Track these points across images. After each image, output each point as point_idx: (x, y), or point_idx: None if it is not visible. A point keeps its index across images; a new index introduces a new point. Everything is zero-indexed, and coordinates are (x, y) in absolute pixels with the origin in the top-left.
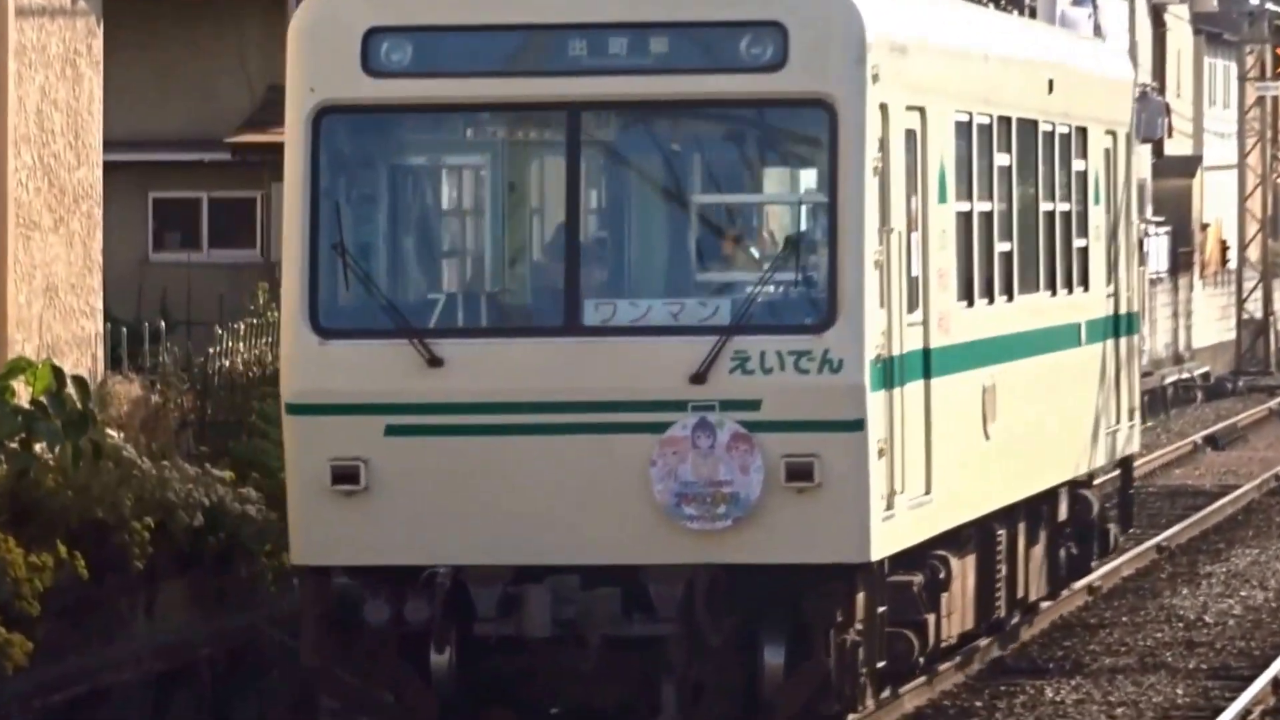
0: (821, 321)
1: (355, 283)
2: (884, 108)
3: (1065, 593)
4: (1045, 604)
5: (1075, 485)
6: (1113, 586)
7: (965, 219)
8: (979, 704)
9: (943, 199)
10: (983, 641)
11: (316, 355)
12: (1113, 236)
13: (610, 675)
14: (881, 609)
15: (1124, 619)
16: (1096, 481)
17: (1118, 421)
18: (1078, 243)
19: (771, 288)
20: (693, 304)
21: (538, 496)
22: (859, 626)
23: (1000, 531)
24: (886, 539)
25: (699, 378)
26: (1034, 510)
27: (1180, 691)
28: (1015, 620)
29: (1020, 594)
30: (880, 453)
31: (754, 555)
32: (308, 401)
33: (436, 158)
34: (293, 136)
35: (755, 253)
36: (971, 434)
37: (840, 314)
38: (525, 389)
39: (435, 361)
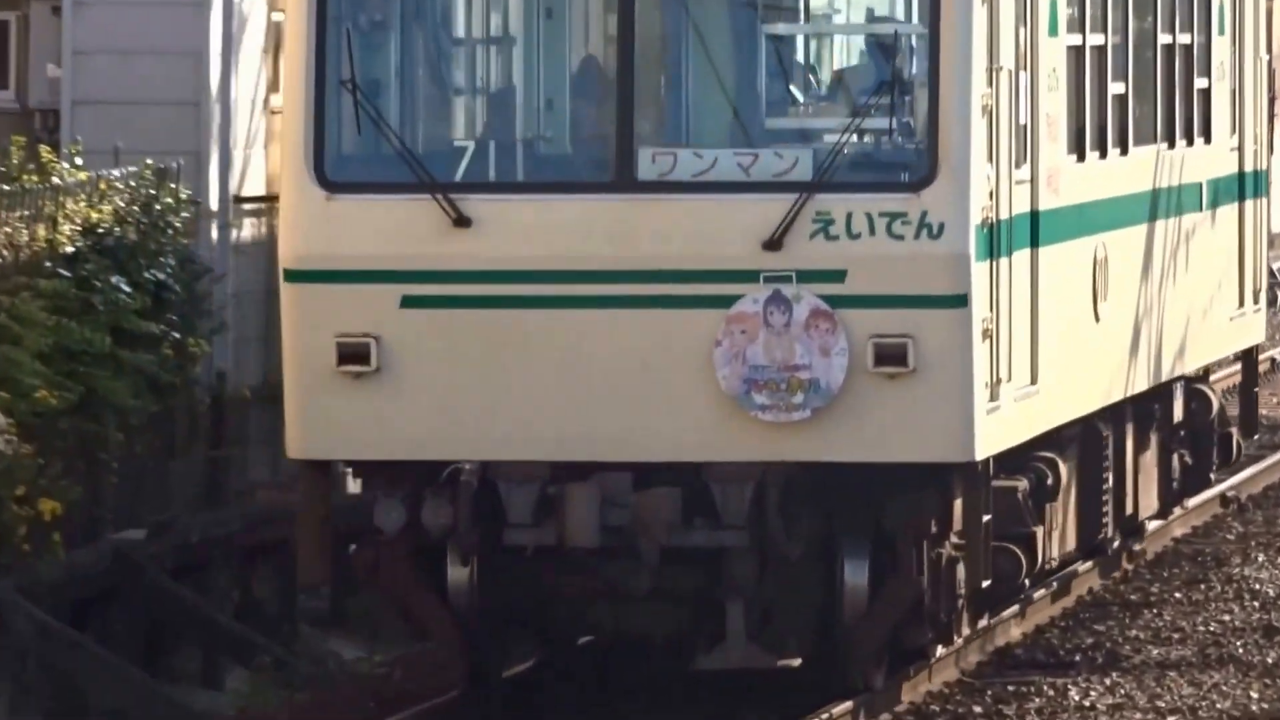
0: (920, 178)
1: (368, 127)
2: None
3: (1178, 511)
4: (1154, 523)
5: (1191, 380)
6: (1161, 550)
7: (1076, 55)
8: (994, 703)
9: (1053, 31)
10: (1081, 567)
11: (321, 212)
12: (1238, 76)
13: (667, 595)
14: (986, 518)
15: (1176, 595)
16: (1213, 378)
17: (1240, 305)
18: (1198, 83)
19: (860, 137)
20: (767, 155)
21: (581, 381)
22: (954, 540)
23: (1106, 433)
24: (991, 435)
25: (774, 243)
26: (1144, 409)
27: (1255, 695)
28: (1117, 544)
29: (1128, 509)
30: (985, 334)
31: (836, 452)
32: (310, 267)
33: None
34: None
35: (841, 96)
36: (1081, 314)
37: (942, 169)
38: (567, 254)
39: (462, 221)
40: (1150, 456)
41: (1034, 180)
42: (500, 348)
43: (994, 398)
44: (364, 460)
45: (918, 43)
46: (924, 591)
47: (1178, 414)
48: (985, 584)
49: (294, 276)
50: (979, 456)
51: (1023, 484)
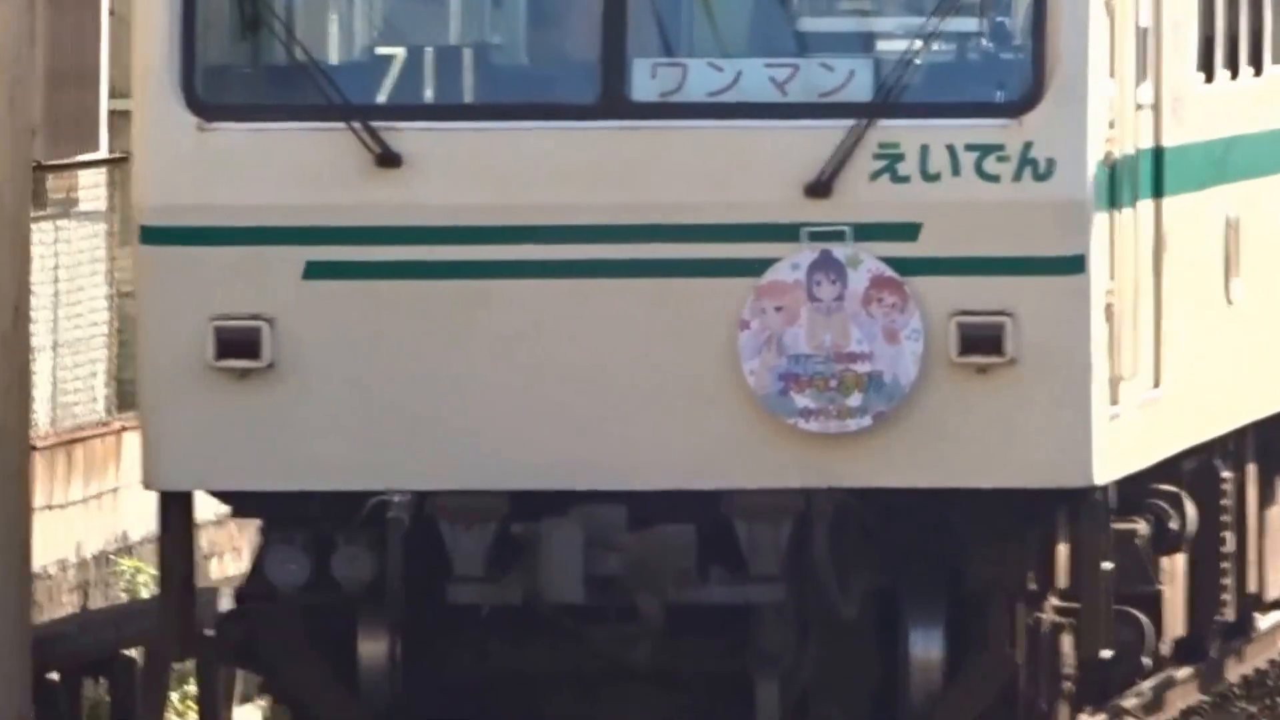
0: (1021, 97)
1: (260, 30)
2: None
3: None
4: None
5: None
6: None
7: None
8: None
9: None
10: (1179, 673)
11: (193, 147)
12: None
13: (675, 671)
14: (1108, 566)
15: None
16: None
17: None
18: None
19: (938, 44)
20: (810, 66)
21: (555, 379)
22: (1056, 602)
23: (1225, 473)
24: (1113, 453)
25: (820, 187)
26: (1273, 442)
27: None
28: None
29: (1250, 586)
30: (1107, 311)
31: (905, 475)
32: (176, 224)
33: None
34: None
35: None
36: (1212, 294)
37: (1051, 85)
38: (534, 204)
39: (388, 158)
40: (1278, 513)
41: (1158, 105)
42: (442, 334)
43: (1115, 400)
44: (252, 492)
45: None
46: (1018, 669)
47: None
48: (1106, 654)
49: (154, 236)
50: (1098, 480)
51: (1142, 526)
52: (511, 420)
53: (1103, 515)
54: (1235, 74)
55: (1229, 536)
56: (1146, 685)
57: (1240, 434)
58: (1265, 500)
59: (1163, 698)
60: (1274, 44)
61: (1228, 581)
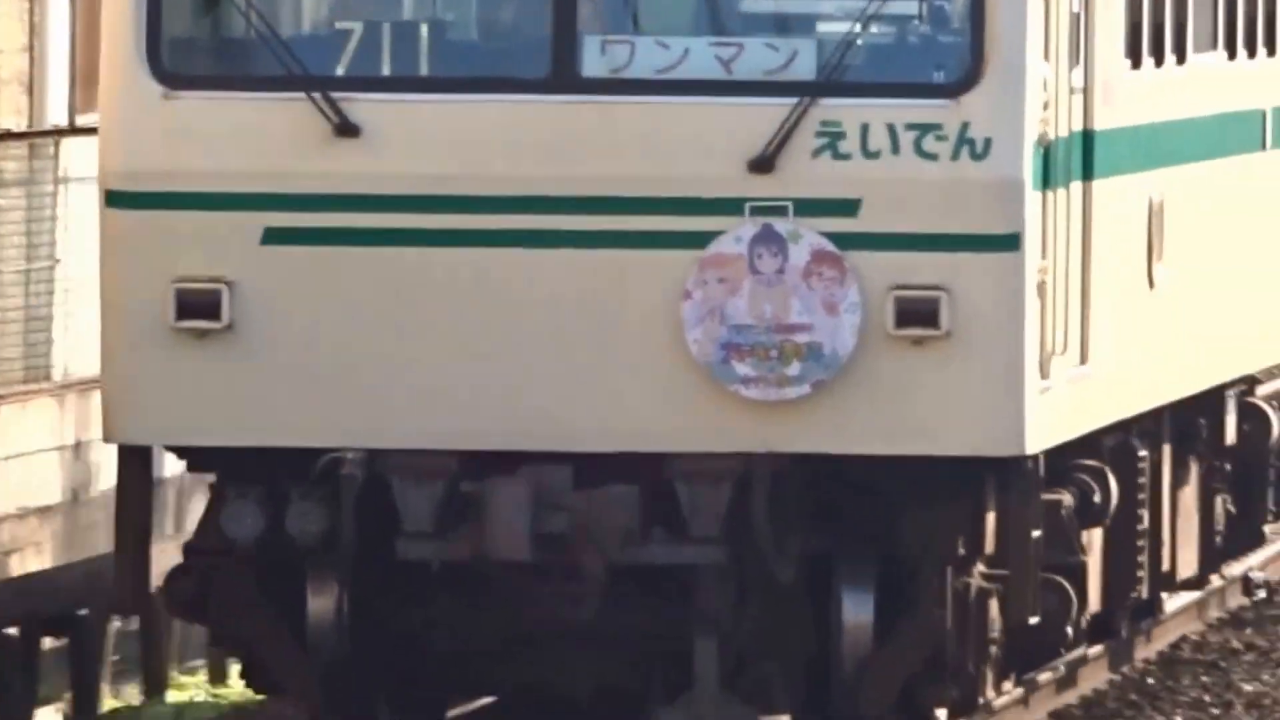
0: (960, 78)
1: (223, 3)
2: None
3: (1215, 581)
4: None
5: (1243, 391)
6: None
7: None
8: None
9: None
10: (1091, 651)
11: (157, 115)
12: None
13: (617, 629)
14: (1036, 534)
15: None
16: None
17: None
18: None
19: (879, 26)
20: (755, 46)
21: (505, 345)
22: (983, 569)
23: (1143, 452)
24: (1044, 424)
25: (763, 163)
26: (1186, 424)
27: None
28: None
29: (1165, 564)
30: (1040, 288)
31: (843, 441)
32: (140, 188)
33: None
34: None
35: None
36: (1135, 277)
37: (988, 68)
38: (486, 174)
39: (346, 128)
40: (1190, 493)
41: (1088, 88)
42: (396, 299)
43: (1045, 375)
44: (208, 447)
45: None
46: (946, 633)
47: (1229, 435)
48: (1033, 620)
49: (118, 200)
50: (1030, 450)
51: (1068, 499)
52: (461, 382)
53: (1033, 485)
54: (1160, 62)
55: (1144, 515)
56: (1061, 662)
57: (1157, 415)
58: (1178, 481)
59: (1075, 674)
60: (1195, 34)
61: (1143, 559)
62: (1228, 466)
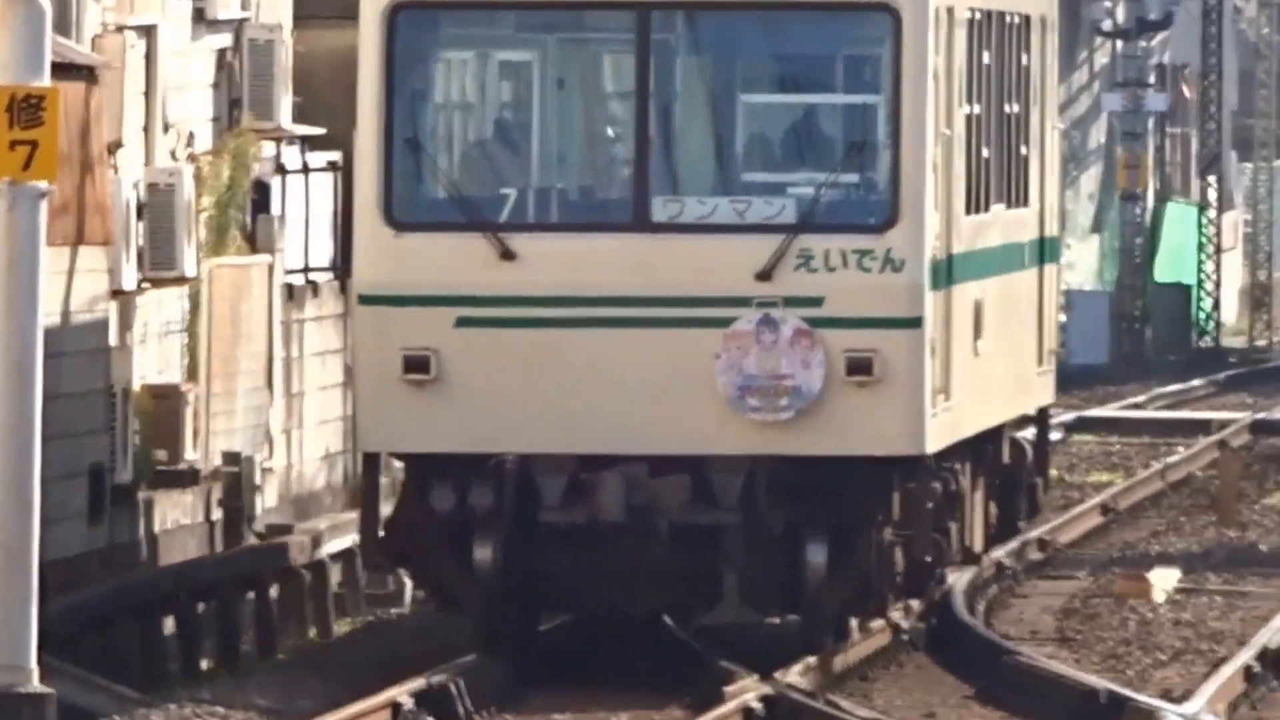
0: (884, 222)
1: (429, 176)
2: (942, 11)
3: (985, 560)
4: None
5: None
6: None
7: (968, 122)
8: None
9: (961, 102)
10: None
11: (390, 247)
12: (1040, 144)
13: (675, 565)
14: (931, 504)
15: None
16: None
17: (1040, 364)
18: (1021, 150)
19: (836, 189)
20: (759, 203)
21: (605, 388)
22: (890, 531)
23: (955, 464)
24: (934, 435)
25: (764, 275)
26: (977, 448)
27: None
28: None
29: (968, 541)
30: (933, 350)
31: (814, 447)
32: (381, 293)
33: (511, 54)
34: (367, 32)
35: (820, 154)
36: (970, 347)
37: (903, 215)
38: (594, 283)
39: (507, 255)
40: (980, 497)
41: (949, 229)
42: (538, 360)
43: (934, 405)
44: (418, 454)
45: (883, 113)
46: (870, 569)
47: (1006, 456)
48: (927, 559)
49: (366, 300)
50: (928, 451)
51: (938, 485)
52: (577, 411)
53: (928, 473)
54: (978, 211)
55: (959, 506)
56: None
57: (964, 441)
58: (974, 487)
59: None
60: (995, 190)
61: (954, 532)
62: (997, 481)
